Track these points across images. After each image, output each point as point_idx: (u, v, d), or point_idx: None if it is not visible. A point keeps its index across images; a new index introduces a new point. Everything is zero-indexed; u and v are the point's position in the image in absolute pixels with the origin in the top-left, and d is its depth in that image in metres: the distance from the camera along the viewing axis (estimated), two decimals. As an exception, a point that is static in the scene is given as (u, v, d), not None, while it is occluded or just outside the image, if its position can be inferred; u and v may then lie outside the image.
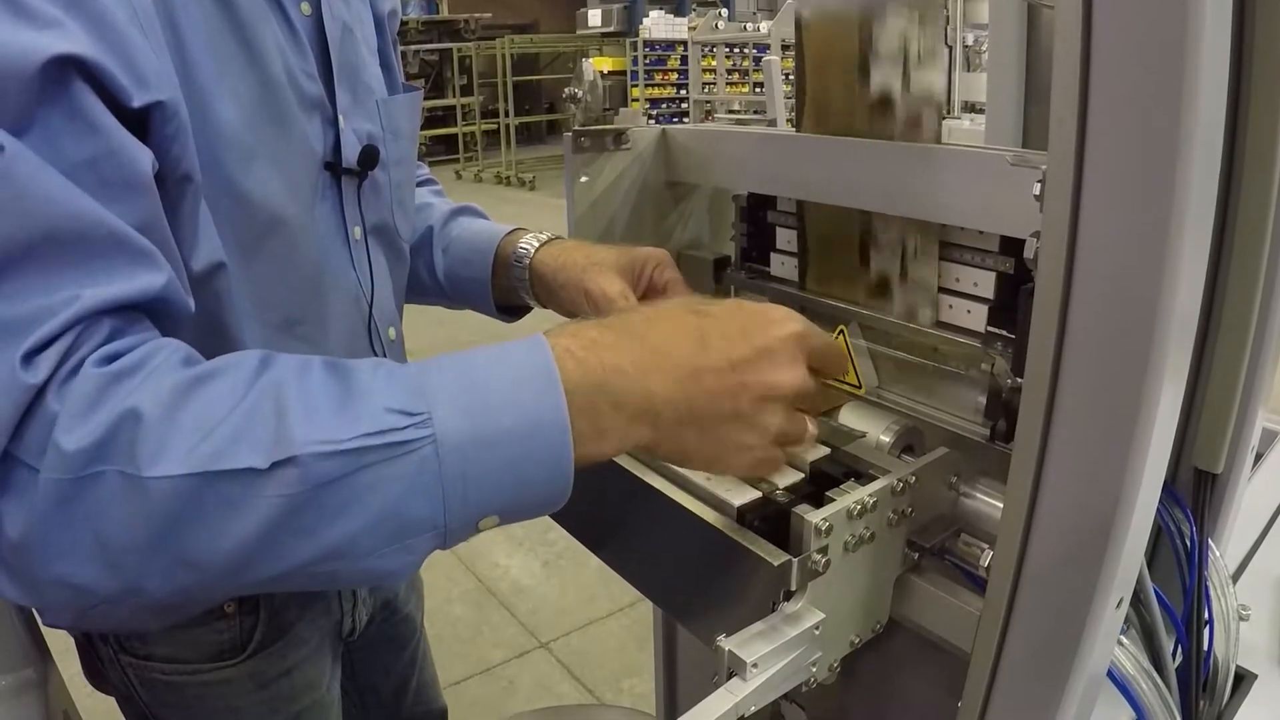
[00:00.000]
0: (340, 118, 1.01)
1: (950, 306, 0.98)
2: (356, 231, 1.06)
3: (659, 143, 1.28)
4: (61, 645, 1.15)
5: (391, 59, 1.20)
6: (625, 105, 14.52)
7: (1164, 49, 0.53)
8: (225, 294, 0.88)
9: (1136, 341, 0.58)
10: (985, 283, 0.95)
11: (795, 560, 0.71)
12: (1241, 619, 1.02)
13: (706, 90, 12.88)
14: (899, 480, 0.78)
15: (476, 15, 19.07)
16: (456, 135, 18.15)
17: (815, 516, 0.72)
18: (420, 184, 1.37)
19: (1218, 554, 0.99)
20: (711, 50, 13.11)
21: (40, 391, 0.62)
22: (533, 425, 0.66)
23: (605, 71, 14.71)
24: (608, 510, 0.79)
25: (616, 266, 1.09)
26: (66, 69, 0.67)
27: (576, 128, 1.22)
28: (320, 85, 0.98)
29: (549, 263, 1.16)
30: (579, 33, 17.81)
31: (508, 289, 1.23)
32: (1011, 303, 0.91)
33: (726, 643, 0.68)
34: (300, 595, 1.11)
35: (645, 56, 14.97)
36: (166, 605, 0.86)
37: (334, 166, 1.00)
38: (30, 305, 0.63)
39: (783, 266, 1.19)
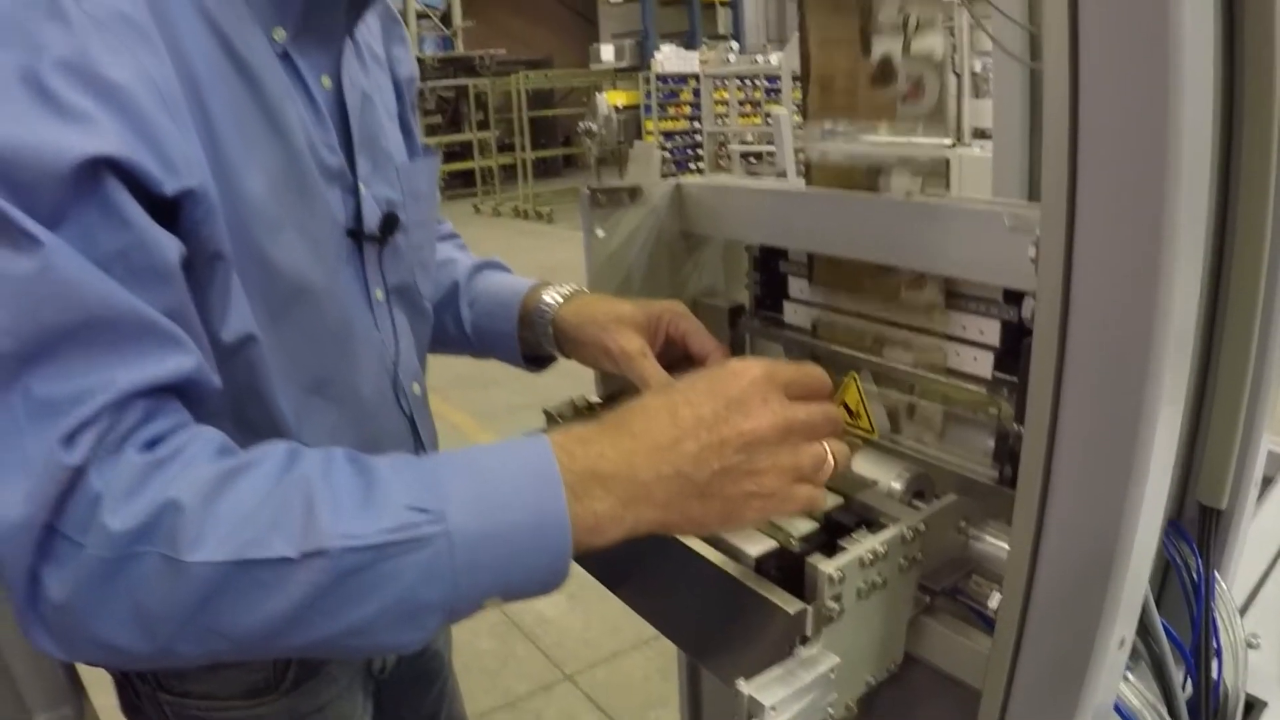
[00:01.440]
0: (361, 186, 1.05)
1: (958, 354, 1.02)
2: (379, 293, 1.10)
3: (673, 197, 1.32)
4: (93, 675, 1.18)
5: (410, 123, 1.25)
6: (639, 138, 14.62)
7: (1148, 143, 0.57)
8: (257, 361, 0.92)
9: (1128, 400, 0.62)
10: (991, 331, 0.99)
11: (810, 608, 0.75)
12: (1251, 647, 1.05)
13: (719, 123, 12.97)
14: (909, 528, 0.82)
15: (491, 51, 19.25)
16: (474, 170, 18.32)
17: (829, 566, 0.76)
18: (443, 239, 1.42)
19: (1224, 586, 1.01)
20: (724, 83, 13.21)
21: (80, 471, 0.67)
22: (536, 520, 0.73)
23: (619, 106, 14.82)
24: (629, 555, 0.83)
25: (634, 323, 1.14)
26: (99, 168, 0.72)
27: (593, 186, 1.26)
28: (341, 156, 1.03)
29: (570, 318, 1.21)
30: (592, 68, 17.97)
31: (533, 341, 1.27)
32: (1017, 349, 0.95)
33: (746, 687, 0.72)
34: None
35: (658, 90, 15.03)
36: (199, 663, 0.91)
37: (356, 233, 1.05)
38: (69, 388, 0.69)
39: (795, 314, 1.23)
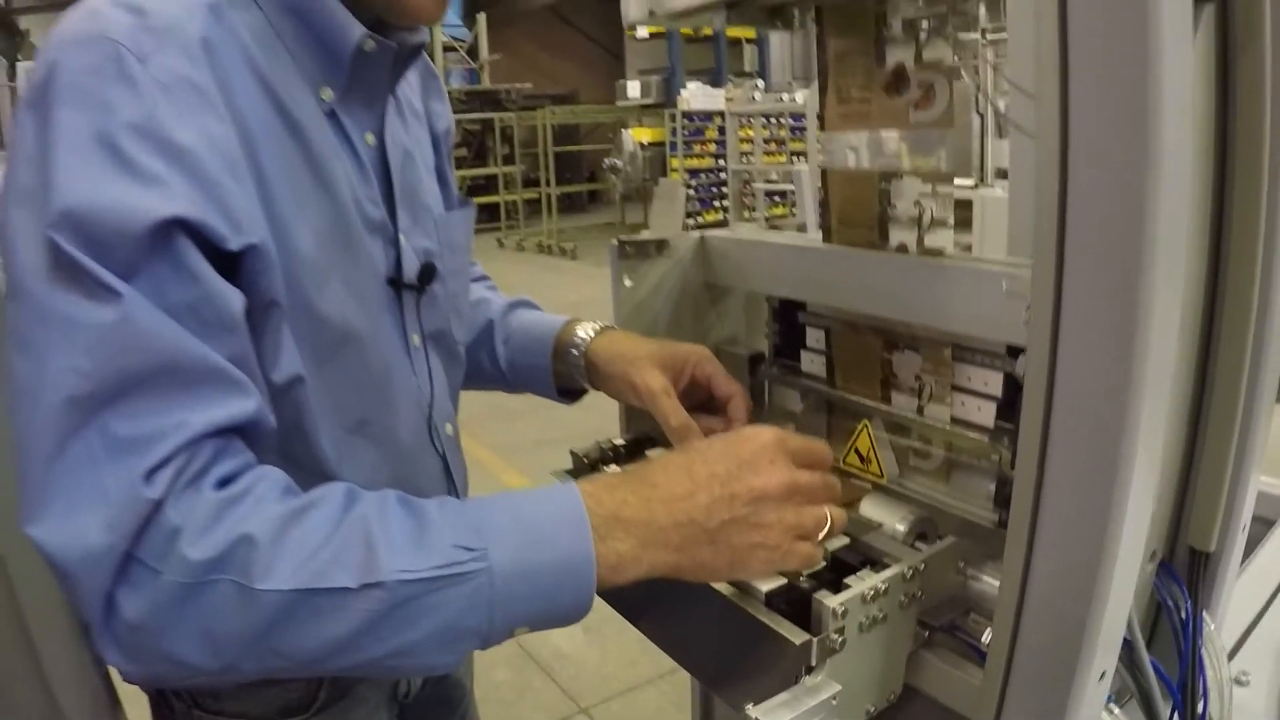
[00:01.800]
0: (401, 237, 1.13)
1: (963, 403, 1.09)
2: (416, 339, 1.17)
3: (698, 249, 1.40)
4: (125, 690, 1.23)
5: (447, 175, 1.33)
6: (664, 175, 14.68)
7: (1129, 221, 0.65)
8: (303, 402, 0.99)
9: (1107, 453, 0.69)
10: (994, 382, 1.06)
11: (815, 640, 0.82)
12: (1240, 684, 1.10)
13: (744, 160, 13.03)
14: (909, 568, 0.89)
15: (517, 86, 19.35)
16: (498, 204, 18.39)
17: (833, 601, 0.83)
18: (474, 280, 1.49)
19: (1211, 626, 1.07)
20: (749, 120, 13.28)
21: (159, 504, 0.75)
22: (566, 561, 0.82)
23: (644, 143, 14.85)
24: (648, 590, 0.89)
25: (660, 362, 1.22)
26: (171, 227, 0.80)
27: (622, 238, 1.34)
28: (383, 209, 1.10)
29: (601, 354, 1.29)
30: (618, 104, 18.07)
31: (566, 374, 1.35)
32: (1017, 400, 1.01)
33: (754, 711, 0.79)
34: None
35: (684, 127, 15.08)
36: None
37: (396, 282, 1.12)
38: (146, 427, 0.77)
39: (812, 363, 1.30)
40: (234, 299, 0.85)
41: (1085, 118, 0.67)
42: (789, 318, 1.33)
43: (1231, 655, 1.25)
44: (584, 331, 1.32)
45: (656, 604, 1.02)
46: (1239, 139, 0.92)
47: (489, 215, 18.04)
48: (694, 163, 15.24)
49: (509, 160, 18.76)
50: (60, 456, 0.75)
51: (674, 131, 15.22)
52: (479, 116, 18.78)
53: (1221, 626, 1.10)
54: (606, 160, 13.49)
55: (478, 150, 19.20)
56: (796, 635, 0.83)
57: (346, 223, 1.04)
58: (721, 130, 14.65)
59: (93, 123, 0.80)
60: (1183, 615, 1.04)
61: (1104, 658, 0.76)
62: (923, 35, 1.08)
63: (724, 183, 14.31)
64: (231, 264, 0.87)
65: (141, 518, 0.74)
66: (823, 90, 1.21)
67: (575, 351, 1.31)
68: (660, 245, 1.35)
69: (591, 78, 22.48)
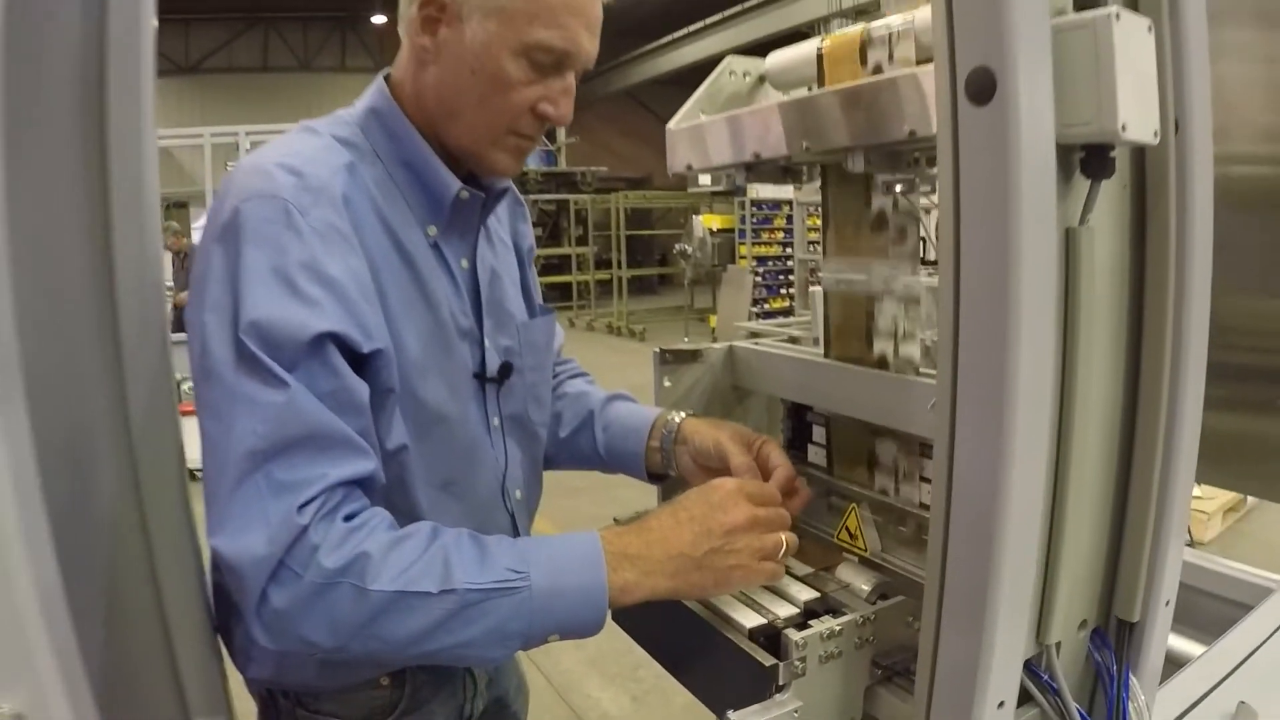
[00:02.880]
0: (486, 340, 1.43)
1: (928, 491, 1.34)
2: (495, 420, 1.47)
3: (727, 357, 1.69)
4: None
5: (530, 287, 1.64)
6: (733, 261, 14.92)
7: (999, 353, 0.91)
8: (406, 465, 1.30)
9: (986, 535, 0.95)
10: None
11: (782, 664, 1.10)
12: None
13: (811, 249, 13.25)
14: (862, 617, 1.16)
15: (593, 168, 19.78)
16: (571, 283, 18.77)
17: (796, 635, 1.11)
18: (574, 376, 1.81)
19: (1138, 686, 1.28)
20: (816, 210, 13.50)
21: (305, 529, 1.05)
22: (586, 585, 1.13)
23: (714, 229, 15.03)
24: (663, 626, 1.18)
25: (739, 435, 1.51)
26: (324, 338, 1.12)
27: (663, 348, 1.62)
28: (472, 319, 1.41)
29: (691, 427, 1.56)
30: (690, 190, 18.25)
31: (656, 457, 1.61)
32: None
33: (734, 715, 1.06)
34: (435, 678, 1.48)
35: (752, 215, 15.36)
36: (353, 662, 1.24)
37: (480, 376, 1.43)
38: (299, 475, 1.08)
39: (815, 455, 1.57)
40: (363, 390, 1.17)
41: (969, 278, 0.94)
42: (799, 416, 1.61)
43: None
44: (677, 415, 1.60)
45: (664, 635, 1.31)
46: (1150, 277, 1.17)
47: (561, 294, 18.36)
48: (762, 250, 15.46)
49: (582, 241, 19.14)
50: (238, 491, 1.06)
51: (743, 219, 15.48)
52: (554, 197, 19.18)
53: (1154, 689, 1.31)
54: (677, 245, 13.79)
55: (552, 230, 19.60)
56: (767, 660, 1.10)
57: (444, 330, 1.35)
58: (789, 219, 14.86)
59: (270, 259, 1.13)
60: (1110, 674, 1.27)
61: (999, 689, 1.00)
62: (897, 191, 1.37)
63: (790, 270, 14.50)
64: (362, 362, 1.18)
65: (292, 537, 1.04)
66: (825, 229, 1.50)
67: (669, 430, 1.58)
68: (695, 354, 1.65)
69: (665, 161, 22.90)
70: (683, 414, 1.59)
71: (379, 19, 23.29)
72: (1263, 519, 6.23)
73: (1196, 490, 5.99)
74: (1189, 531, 5.55)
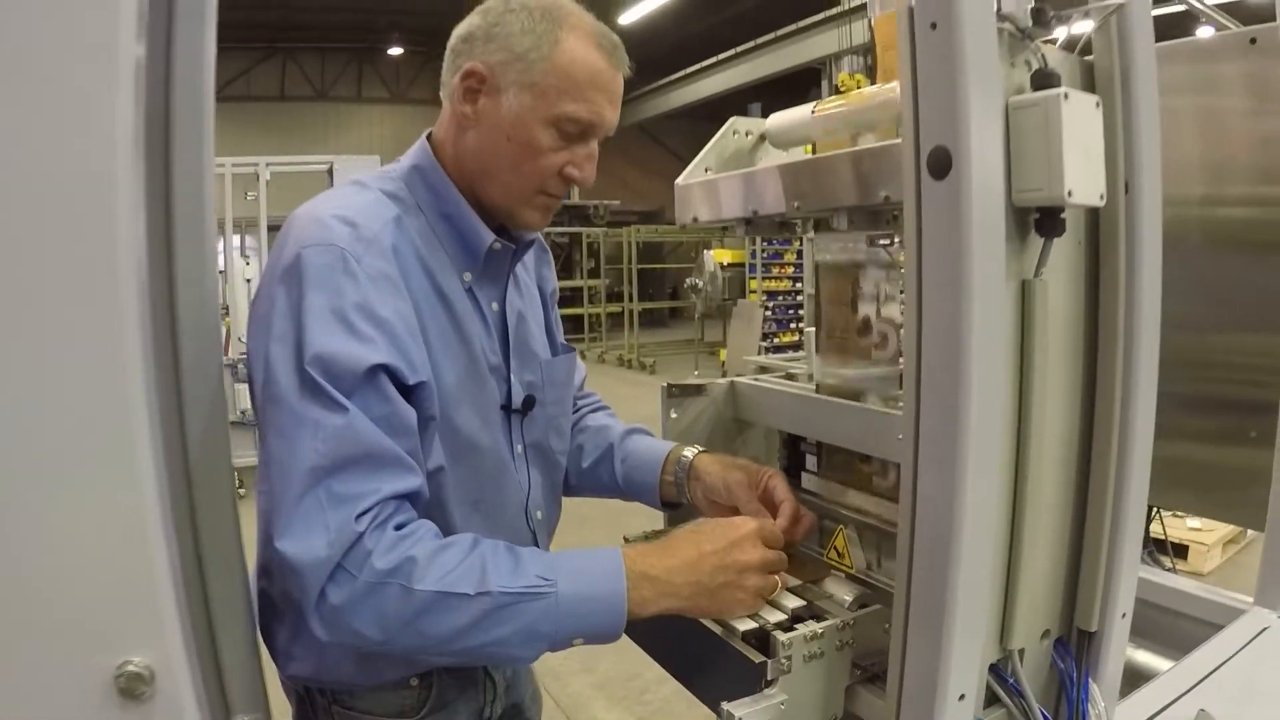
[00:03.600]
0: (512, 376, 1.59)
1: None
2: (519, 448, 1.62)
3: (729, 391, 1.85)
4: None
5: (553, 327, 1.80)
6: (743, 296, 14.94)
7: (954, 378, 1.06)
8: (442, 484, 1.45)
9: (944, 550, 1.09)
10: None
11: (770, 661, 1.25)
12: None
13: (820, 284, 13.27)
14: (842, 622, 1.31)
15: (606, 201, 19.81)
16: (582, 316, 18.84)
17: (782, 636, 1.26)
18: (595, 410, 1.96)
19: (1097, 692, 1.39)
20: (826, 246, 13.56)
21: (361, 535, 1.20)
22: (607, 596, 1.28)
23: (725, 263, 15.06)
24: (667, 632, 1.34)
25: (746, 470, 1.66)
26: (377, 369, 1.28)
27: (670, 383, 1.78)
28: (500, 356, 1.57)
29: (702, 464, 1.71)
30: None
31: (670, 488, 1.75)
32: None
33: (727, 706, 1.21)
34: (459, 680, 1.62)
35: (763, 250, 15.42)
36: (397, 656, 1.38)
37: (507, 407, 1.58)
38: (356, 489, 1.23)
39: (809, 481, 1.72)
40: (411, 415, 1.32)
41: (930, 323, 1.09)
42: (794, 445, 1.76)
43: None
44: (690, 451, 1.74)
45: (674, 643, 1.46)
46: (1103, 321, 1.31)
47: (572, 326, 18.23)
48: (772, 285, 15.45)
49: (594, 274, 19.22)
50: (301, 502, 1.21)
51: (754, 253, 15.50)
52: (567, 230, 19.17)
53: (1114, 696, 1.42)
54: (688, 280, 13.89)
55: (565, 263, 19.58)
56: (757, 657, 1.26)
57: (477, 365, 1.51)
58: (799, 254, 14.91)
59: (330, 301, 1.28)
60: (1070, 680, 1.40)
61: (959, 682, 1.14)
62: (883, 297, 1.53)
63: (800, 305, 14.55)
64: (408, 393, 1.33)
65: (350, 542, 1.19)
66: (818, 330, 1.68)
67: (683, 466, 1.73)
68: (700, 389, 1.80)
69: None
70: (695, 450, 1.74)
71: (395, 50, 23.70)
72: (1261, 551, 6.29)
73: (1195, 523, 6.06)
74: (1186, 559, 5.67)
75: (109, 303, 0.95)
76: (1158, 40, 1.33)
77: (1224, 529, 5.93)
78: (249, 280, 8.30)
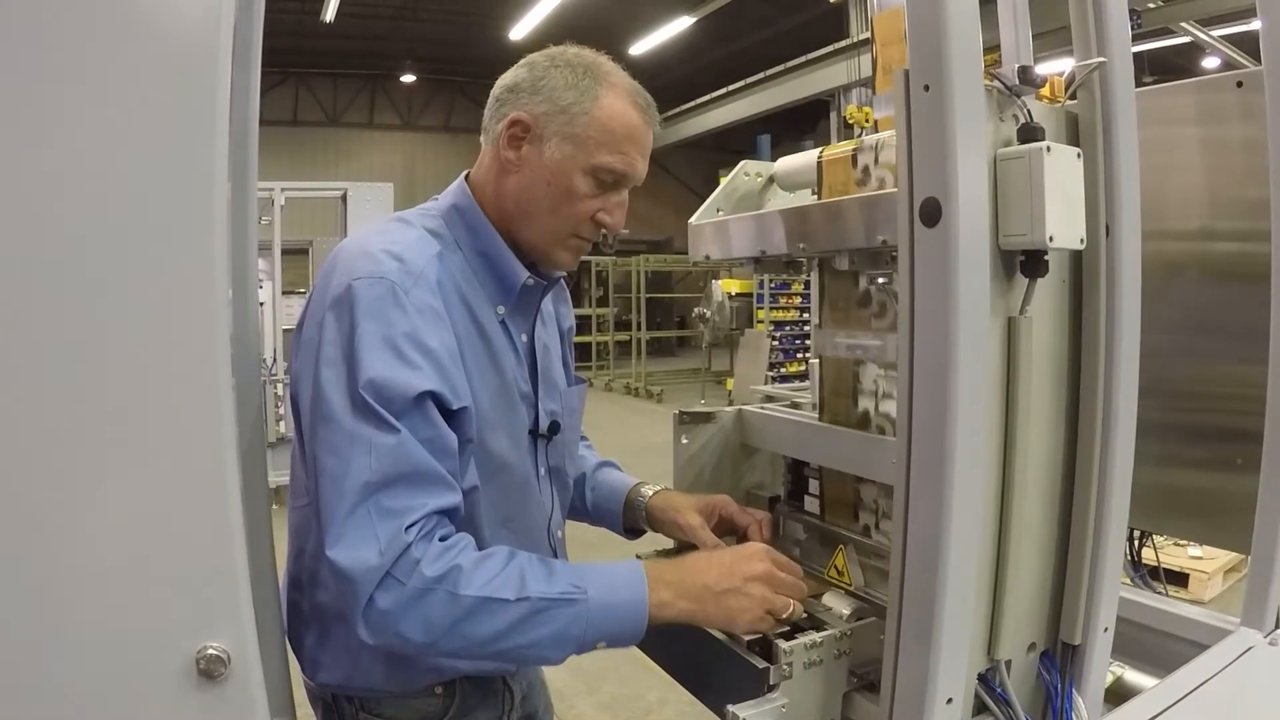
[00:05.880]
0: (539, 403, 1.69)
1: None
2: (543, 470, 1.72)
3: (737, 419, 1.97)
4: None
5: (568, 360, 1.91)
6: (750, 326, 14.95)
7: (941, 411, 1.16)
8: (476, 503, 1.54)
9: (933, 567, 1.18)
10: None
11: (772, 667, 1.36)
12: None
13: (827, 314, 13.30)
14: (839, 632, 1.41)
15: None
16: (590, 344, 18.83)
17: (784, 644, 1.36)
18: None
19: (1081, 701, 1.48)
20: (833, 277, 13.61)
21: (409, 546, 1.29)
22: (631, 601, 1.38)
23: (733, 293, 14.95)
24: (678, 644, 1.44)
25: (696, 508, 1.79)
26: (424, 395, 1.37)
27: (681, 410, 1.89)
28: (529, 385, 1.67)
29: (656, 504, 1.85)
30: (711, 254, 18.49)
31: (630, 518, 1.90)
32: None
33: (733, 708, 1.32)
34: (480, 689, 1.68)
35: (771, 280, 15.44)
36: (435, 659, 1.41)
37: (534, 432, 1.68)
38: (404, 504, 1.31)
39: (811, 505, 1.82)
40: (453, 438, 1.41)
41: (921, 357, 1.19)
42: (797, 470, 1.86)
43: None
44: (647, 490, 1.89)
45: (681, 650, 1.56)
46: (1085, 355, 1.41)
47: (581, 354, 18.15)
48: (779, 315, 15.44)
49: (603, 302, 19.17)
50: (352, 514, 1.29)
51: (761, 284, 15.50)
52: (576, 259, 19.31)
53: (1097, 707, 1.51)
54: (696, 309, 13.93)
55: (573, 291, 19.30)
56: (760, 663, 1.36)
57: (509, 394, 1.60)
58: (807, 285, 14.92)
59: (381, 330, 1.37)
60: (1056, 690, 1.48)
61: (947, 686, 1.22)
62: (880, 279, 1.63)
63: (807, 335, 14.54)
64: (451, 417, 1.43)
65: (399, 552, 1.28)
66: (820, 303, 1.78)
67: (639, 503, 1.88)
68: (709, 416, 1.91)
69: (686, 224, 23.03)
70: (653, 489, 1.88)
71: (408, 78, 23.87)
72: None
73: (1197, 551, 6.08)
74: (1187, 587, 5.72)
75: (207, 318, 1.06)
76: (1166, 71, 1.43)
77: (1225, 557, 5.97)
78: (261, 304, 8.39)
